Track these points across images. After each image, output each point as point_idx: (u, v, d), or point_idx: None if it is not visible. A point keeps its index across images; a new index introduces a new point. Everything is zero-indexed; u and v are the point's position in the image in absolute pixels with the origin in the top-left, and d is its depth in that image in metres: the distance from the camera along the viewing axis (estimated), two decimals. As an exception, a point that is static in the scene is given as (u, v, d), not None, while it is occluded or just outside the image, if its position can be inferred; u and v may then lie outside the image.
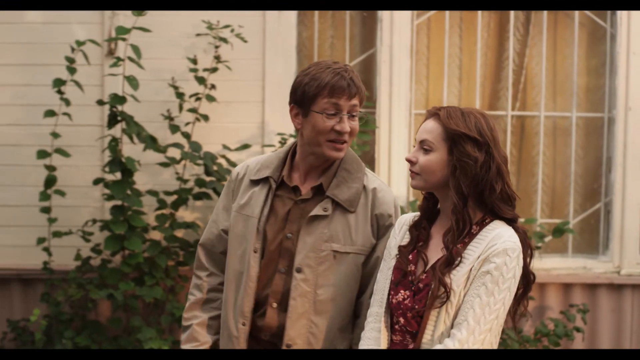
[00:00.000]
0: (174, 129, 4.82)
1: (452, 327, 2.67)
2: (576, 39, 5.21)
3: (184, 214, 4.90)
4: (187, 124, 4.87)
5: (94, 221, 4.87)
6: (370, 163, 5.18)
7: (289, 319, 2.89)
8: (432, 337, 2.67)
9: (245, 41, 4.89)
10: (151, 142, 4.73)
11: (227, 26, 4.87)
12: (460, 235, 2.67)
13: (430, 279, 2.69)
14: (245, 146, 4.87)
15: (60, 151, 4.75)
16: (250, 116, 5.13)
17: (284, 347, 2.89)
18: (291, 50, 5.14)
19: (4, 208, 4.99)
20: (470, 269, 2.63)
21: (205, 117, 4.83)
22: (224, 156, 4.83)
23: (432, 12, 5.21)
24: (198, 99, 4.84)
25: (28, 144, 4.99)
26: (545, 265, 5.14)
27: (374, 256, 2.99)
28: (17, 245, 4.98)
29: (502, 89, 5.44)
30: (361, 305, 2.99)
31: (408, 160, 2.73)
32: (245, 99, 5.04)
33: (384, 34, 5.14)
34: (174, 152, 4.86)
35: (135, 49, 4.55)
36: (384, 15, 5.07)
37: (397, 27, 5.12)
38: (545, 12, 5.19)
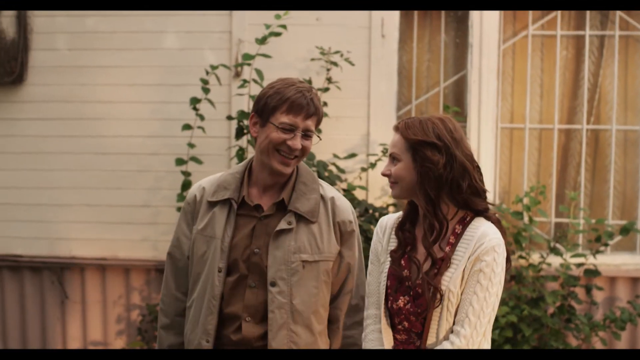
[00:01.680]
0: None
1: (453, 324, 2.74)
2: (645, 61, 5.45)
3: (301, 213, 5.38)
4: (303, 135, 5.38)
5: None
6: None
7: (270, 332, 2.89)
8: (437, 336, 2.75)
9: (353, 64, 5.26)
10: None
11: (337, 52, 5.27)
12: (439, 236, 2.74)
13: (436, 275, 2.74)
14: (352, 155, 5.21)
15: (194, 159, 5.23)
16: (356, 129, 5.44)
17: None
18: (393, 72, 5.46)
19: (144, 208, 5.51)
20: (464, 269, 2.70)
21: (319, 130, 5.31)
22: (333, 164, 5.19)
23: (517, 38, 5.50)
24: (312, 114, 5.37)
25: (163, 153, 5.46)
26: (616, 261, 5.43)
27: (343, 263, 3.01)
28: (157, 240, 5.48)
29: (579, 105, 5.63)
30: (335, 310, 3.03)
31: (383, 175, 2.79)
32: (352, 114, 5.38)
33: (474, 57, 5.44)
34: (292, 161, 5.38)
35: (259, 72, 5.00)
36: (474, 41, 5.40)
37: (485, 51, 5.43)
38: (617, 37, 5.44)
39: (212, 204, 2.95)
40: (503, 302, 4.97)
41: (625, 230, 5.12)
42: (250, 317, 2.90)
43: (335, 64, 5.30)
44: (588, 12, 5.49)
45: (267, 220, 2.92)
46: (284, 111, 2.84)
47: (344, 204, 3.04)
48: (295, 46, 5.42)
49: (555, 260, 5.20)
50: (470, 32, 5.47)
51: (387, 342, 2.84)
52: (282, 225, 2.89)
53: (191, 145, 5.21)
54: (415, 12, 5.55)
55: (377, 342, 2.85)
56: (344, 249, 2.99)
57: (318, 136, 2.95)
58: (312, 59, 5.37)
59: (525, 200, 5.18)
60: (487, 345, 2.76)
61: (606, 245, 5.22)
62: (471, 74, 5.50)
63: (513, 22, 5.59)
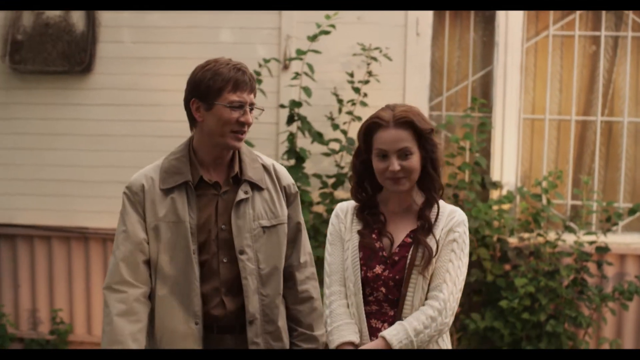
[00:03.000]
0: (335, 127, 5.61)
1: (428, 291, 2.84)
2: (654, 59, 5.84)
3: (340, 193, 5.65)
4: (345, 123, 5.62)
5: None
6: (487, 157, 5.87)
7: (246, 298, 2.92)
8: (412, 302, 2.84)
9: (390, 59, 5.68)
10: (318, 137, 5.61)
11: (376, 48, 5.68)
12: (432, 207, 2.88)
13: (410, 246, 2.86)
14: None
15: (247, 142, 5.49)
16: None
17: (247, 324, 2.93)
18: (426, 67, 5.89)
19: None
20: (438, 240, 2.84)
21: (359, 118, 5.47)
22: (372, 149, 5.75)
23: (539, 37, 5.90)
24: (353, 104, 5.61)
25: None
26: (626, 240, 5.83)
27: (292, 223, 3.08)
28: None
29: (594, 98, 6.00)
30: (289, 268, 3.07)
31: (394, 171, 2.80)
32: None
33: (499, 54, 5.87)
34: (334, 145, 5.67)
35: (310, 67, 5.52)
36: (500, 39, 5.83)
37: (510, 49, 5.84)
38: (629, 38, 5.82)
39: (167, 191, 2.91)
40: (522, 274, 5.44)
41: (633, 211, 5.56)
42: (228, 290, 2.93)
43: (374, 59, 5.71)
44: (604, 15, 5.87)
45: (226, 195, 2.94)
46: (230, 90, 2.84)
47: (283, 169, 3.13)
48: (339, 42, 5.77)
49: (569, 238, 5.62)
50: (497, 32, 5.89)
51: (358, 314, 2.90)
52: (240, 195, 2.93)
53: None
54: (447, 12, 5.96)
55: (345, 316, 2.91)
56: (291, 210, 3.06)
57: (261, 109, 2.98)
58: (354, 54, 5.77)
59: (544, 184, 5.64)
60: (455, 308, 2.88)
61: (616, 224, 5.64)
62: (497, 69, 5.91)
63: (536, 22, 5.99)
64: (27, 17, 6.10)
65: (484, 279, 5.61)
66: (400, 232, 2.89)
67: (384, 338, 2.81)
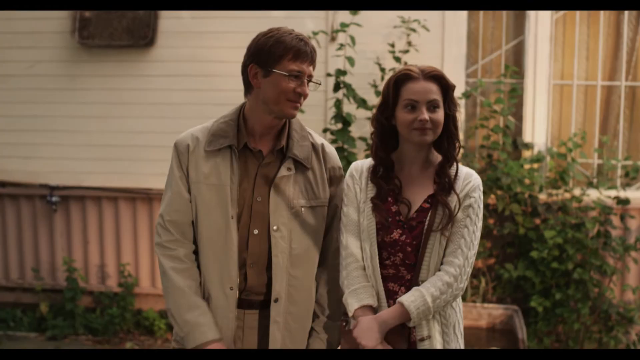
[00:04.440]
0: (378, 93, 5.90)
1: (443, 256, 2.83)
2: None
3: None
4: (387, 90, 6.21)
5: None
6: (519, 120, 6.27)
7: (274, 275, 2.84)
8: (429, 266, 2.83)
9: (428, 30, 6.05)
10: (362, 103, 6.00)
11: (416, 20, 6.06)
12: (451, 164, 2.87)
13: (428, 211, 2.83)
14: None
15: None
16: None
17: (272, 301, 2.85)
18: (462, 37, 6.26)
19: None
20: (459, 197, 2.83)
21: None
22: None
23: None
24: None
25: None
26: None
27: (332, 204, 2.98)
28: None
29: (619, 65, 6.30)
30: (324, 251, 2.98)
31: (424, 121, 2.78)
32: None
33: (530, 25, 6.23)
34: (378, 110, 6.25)
35: (352, 38, 5.92)
36: (531, 12, 6.18)
37: (540, 20, 6.18)
38: None
39: (211, 153, 2.84)
40: (551, 227, 5.84)
41: None
42: (254, 263, 2.86)
43: (413, 30, 6.10)
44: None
45: (267, 167, 2.87)
46: (291, 59, 2.76)
47: (332, 150, 3.02)
48: (381, 15, 6.17)
49: (594, 193, 6.04)
50: None
51: (374, 277, 2.87)
52: (283, 171, 2.84)
53: None
54: (482, -13, 6.31)
55: (362, 279, 2.88)
56: (333, 193, 2.97)
57: (318, 82, 2.91)
58: (395, 27, 6.17)
59: (569, 144, 6.04)
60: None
61: (634, 178, 6.03)
62: (528, 39, 6.28)
63: None
64: (94, -4, 6.61)
65: (517, 232, 6.01)
66: (417, 196, 2.86)
67: (402, 304, 2.80)
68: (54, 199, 6.82)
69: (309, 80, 2.84)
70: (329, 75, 6.20)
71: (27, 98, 6.82)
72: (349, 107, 6.15)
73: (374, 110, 2.99)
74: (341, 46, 6.05)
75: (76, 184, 6.81)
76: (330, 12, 6.35)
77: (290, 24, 6.14)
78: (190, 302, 2.84)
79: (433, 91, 2.79)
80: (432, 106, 2.79)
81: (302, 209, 2.87)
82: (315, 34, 6.01)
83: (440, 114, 2.81)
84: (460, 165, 2.91)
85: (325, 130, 6.19)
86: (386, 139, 2.92)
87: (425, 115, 2.77)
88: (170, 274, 2.85)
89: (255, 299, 2.89)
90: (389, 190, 2.87)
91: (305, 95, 2.82)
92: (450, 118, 2.85)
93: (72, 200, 6.86)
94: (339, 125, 6.13)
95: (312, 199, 2.90)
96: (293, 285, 2.88)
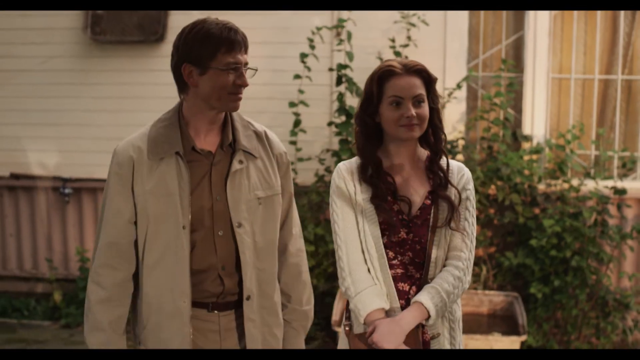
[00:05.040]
0: None
1: (448, 250, 2.82)
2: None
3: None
4: (390, 84, 6.31)
5: (327, 150, 6.31)
6: (518, 113, 6.42)
7: (244, 273, 2.74)
8: (436, 263, 2.81)
9: (427, 24, 6.12)
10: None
11: (415, 14, 6.13)
12: (441, 157, 2.84)
13: (431, 207, 2.80)
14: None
15: (303, 102, 6.06)
16: None
17: (245, 300, 2.76)
18: (464, 32, 6.39)
19: (262, 142, 6.63)
20: (457, 189, 2.83)
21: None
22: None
23: None
24: (397, 66, 6.31)
25: (278, 97, 6.35)
26: None
27: (286, 193, 2.90)
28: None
29: (615, 59, 6.42)
30: (282, 240, 2.90)
31: (410, 117, 2.72)
32: (429, 68, 5.72)
33: (530, 20, 6.35)
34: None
35: (349, 34, 5.99)
36: None
37: (539, 16, 6.30)
38: None
39: (156, 162, 2.70)
40: (550, 216, 5.98)
41: None
42: (225, 265, 2.76)
43: (413, 25, 6.21)
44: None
45: (219, 165, 2.76)
46: (225, 52, 2.65)
47: (274, 136, 2.94)
48: (381, 12, 6.30)
49: (591, 184, 6.19)
50: None
51: (384, 277, 2.82)
52: (236, 165, 2.75)
53: (301, 91, 6.06)
54: (483, -17, 6.47)
55: (368, 281, 2.82)
56: (283, 180, 2.90)
57: (255, 69, 2.77)
58: (395, 22, 6.30)
59: (567, 136, 6.20)
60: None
61: (630, 169, 6.20)
62: (527, 34, 6.41)
63: None
64: (106, -7, 6.78)
65: (516, 221, 6.17)
66: (416, 194, 2.83)
67: (421, 303, 2.78)
68: (67, 190, 7.02)
69: (246, 68, 2.72)
70: (330, 69, 6.33)
71: (41, 92, 7.01)
72: (352, 101, 6.26)
73: (357, 109, 2.94)
74: (341, 41, 6.18)
75: (88, 176, 6.99)
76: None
77: (296, 20, 6.57)
78: (109, 339, 2.75)
79: (417, 86, 2.75)
80: (417, 101, 2.75)
81: (260, 200, 2.79)
82: (319, 29, 6.12)
83: (425, 109, 2.77)
84: (450, 160, 2.90)
85: (330, 124, 6.33)
86: (371, 136, 2.86)
87: (412, 111, 2.72)
88: (93, 307, 2.73)
89: (230, 300, 2.80)
90: (386, 188, 2.82)
91: (244, 85, 2.70)
92: (435, 111, 2.82)
93: (84, 191, 7.04)
94: (343, 118, 6.26)
95: (267, 188, 2.82)
96: (262, 279, 2.81)
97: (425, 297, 2.77)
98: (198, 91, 2.69)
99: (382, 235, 2.79)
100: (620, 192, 6.11)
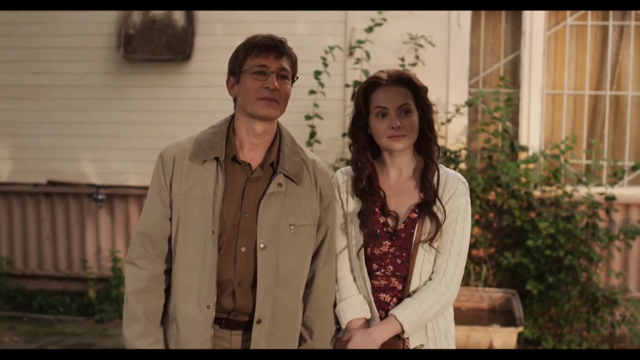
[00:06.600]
0: None
1: (434, 264, 2.71)
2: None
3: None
4: (397, 99, 6.68)
5: (341, 159, 6.61)
6: (516, 125, 6.79)
7: (259, 296, 2.63)
8: (420, 276, 2.71)
9: (434, 45, 6.61)
10: None
11: (422, 36, 6.63)
12: (433, 171, 2.70)
13: (416, 221, 2.69)
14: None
15: (317, 116, 6.43)
16: (437, 97, 6.58)
17: (255, 323, 2.66)
18: (465, 51, 6.81)
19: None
20: (445, 208, 2.70)
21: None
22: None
23: (558, 27, 6.75)
24: (405, 83, 6.70)
25: (294, 111, 6.13)
26: (630, 192, 6.70)
27: (323, 226, 2.75)
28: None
29: (604, 76, 6.78)
30: (312, 272, 2.77)
31: (395, 127, 2.61)
32: (435, 84, 6.26)
33: (526, 41, 6.78)
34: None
35: (367, 53, 6.46)
36: (526, 29, 6.74)
37: (534, 37, 6.72)
38: (632, 26, 6.65)
39: (195, 164, 2.66)
40: (545, 220, 6.30)
41: (635, 168, 6.49)
42: (242, 282, 2.67)
43: (421, 45, 6.70)
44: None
45: (256, 182, 2.67)
46: (254, 56, 2.60)
47: (324, 167, 2.82)
48: (392, 32, 6.70)
49: (583, 190, 6.56)
50: (523, 23, 6.83)
51: (366, 288, 2.76)
52: (273, 187, 2.65)
53: (316, 105, 6.42)
54: (482, 7, 6.94)
55: (353, 290, 2.79)
56: (323, 213, 2.77)
57: (289, 73, 2.69)
58: (404, 42, 6.77)
59: (561, 147, 6.60)
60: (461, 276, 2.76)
61: (621, 179, 6.58)
62: (524, 53, 6.81)
63: (555, 15, 6.89)
64: (137, 15, 7.25)
65: (514, 224, 6.51)
66: (403, 207, 2.74)
67: (394, 317, 2.73)
68: (100, 197, 7.47)
69: (282, 76, 2.64)
70: (347, 86, 6.78)
71: (76, 106, 7.49)
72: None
73: (349, 123, 2.87)
74: (358, 60, 6.63)
75: (119, 184, 7.44)
76: (348, 30, 6.92)
77: (312, 41, 7.16)
78: (145, 330, 2.70)
79: (402, 95, 2.65)
80: (403, 111, 2.65)
81: (291, 227, 2.69)
82: (331, 48, 6.48)
83: (413, 118, 2.67)
84: (447, 169, 2.81)
85: (344, 135, 6.63)
86: (365, 149, 2.79)
87: (396, 121, 2.62)
88: (130, 298, 2.70)
89: (242, 320, 2.72)
90: (375, 202, 2.74)
91: (275, 89, 2.60)
92: (425, 121, 2.72)
93: (115, 198, 7.49)
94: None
95: (301, 217, 2.70)
96: (277, 307, 2.70)
97: (400, 310, 2.73)
98: (239, 101, 2.68)
99: (366, 247, 2.74)
100: (610, 198, 6.47)
